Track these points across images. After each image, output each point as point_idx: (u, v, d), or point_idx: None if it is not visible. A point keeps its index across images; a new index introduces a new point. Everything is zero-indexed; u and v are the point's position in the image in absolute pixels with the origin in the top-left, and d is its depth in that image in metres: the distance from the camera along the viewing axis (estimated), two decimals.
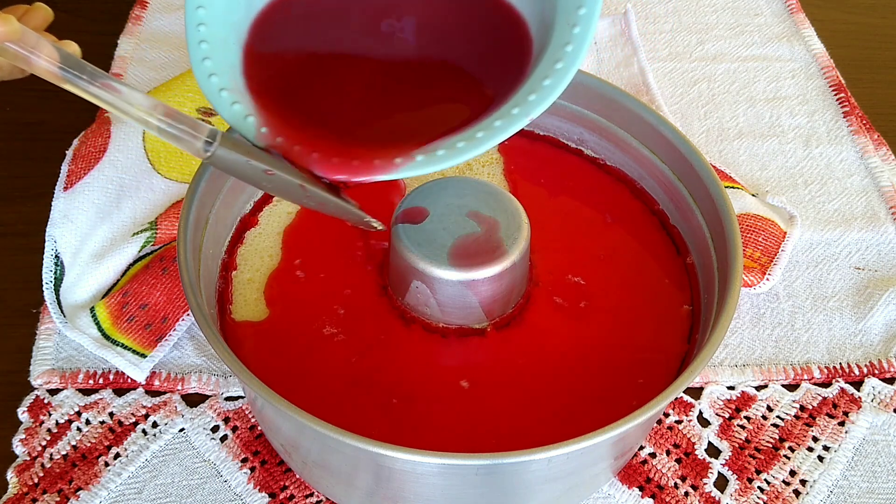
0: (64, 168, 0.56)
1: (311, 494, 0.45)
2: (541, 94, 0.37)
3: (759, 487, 0.46)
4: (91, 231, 0.53)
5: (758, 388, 0.50)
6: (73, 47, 0.37)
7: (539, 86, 0.38)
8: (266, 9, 0.42)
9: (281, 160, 0.39)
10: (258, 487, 0.45)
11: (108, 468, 0.46)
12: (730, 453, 0.47)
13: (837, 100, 0.68)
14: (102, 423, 0.48)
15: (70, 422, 0.47)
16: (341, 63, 0.42)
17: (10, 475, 0.45)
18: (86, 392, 0.49)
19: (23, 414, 0.48)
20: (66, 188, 0.55)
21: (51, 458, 0.46)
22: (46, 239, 0.53)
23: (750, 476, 0.47)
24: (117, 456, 0.46)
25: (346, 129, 0.40)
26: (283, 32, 0.42)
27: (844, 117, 0.67)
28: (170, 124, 0.36)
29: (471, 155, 0.38)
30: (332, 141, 0.39)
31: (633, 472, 0.46)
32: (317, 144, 0.39)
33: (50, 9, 0.41)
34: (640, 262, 0.48)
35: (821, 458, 0.47)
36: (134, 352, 0.49)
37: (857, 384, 0.51)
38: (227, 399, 0.49)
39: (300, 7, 0.43)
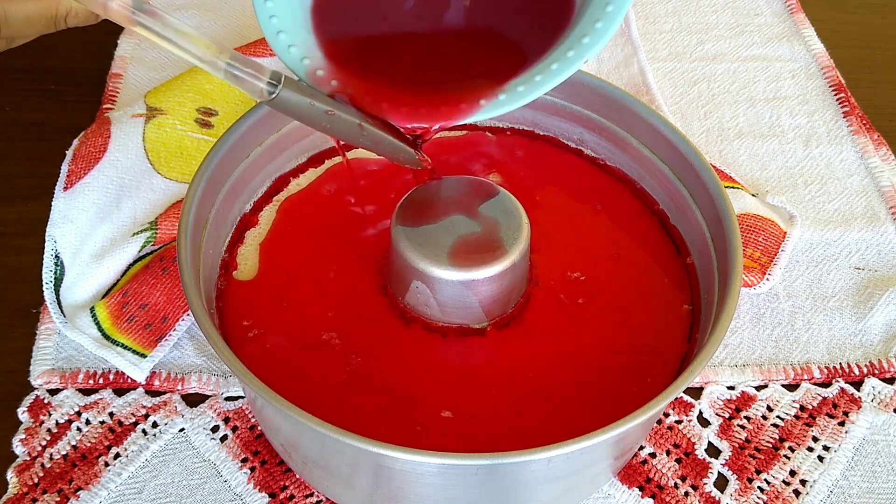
0: (64, 168, 0.56)
1: (311, 494, 0.45)
2: (593, 36, 0.39)
3: (759, 487, 0.46)
4: (91, 231, 0.53)
5: (758, 388, 0.50)
6: None
7: (591, 28, 0.40)
8: None
9: (339, 102, 0.41)
10: (258, 487, 0.45)
11: (108, 468, 0.46)
12: (730, 453, 0.47)
13: (837, 100, 0.68)
14: (102, 423, 0.48)
15: (70, 422, 0.47)
16: (400, 20, 0.45)
17: (10, 475, 0.45)
18: (86, 392, 0.49)
19: (23, 414, 0.48)
20: (66, 188, 0.55)
21: (51, 458, 0.46)
22: (46, 239, 0.53)
23: (750, 476, 0.47)
24: (117, 456, 0.46)
25: (408, 80, 0.43)
26: None
27: (844, 117, 0.67)
28: (237, 67, 0.38)
29: (531, 96, 0.40)
30: (397, 91, 0.42)
31: (633, 472, 0.46)
32: (384, 94, 0.41)
33: None
34: (640, 262, 0.49)
35: (821, 458, 0.47)
36: (134, 352, 0.49)
37: (857, 384, 0.51)
38: (227, 399, 0.49)
39: None
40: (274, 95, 0.38)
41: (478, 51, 0.44)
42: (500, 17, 0.44)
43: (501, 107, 0.40)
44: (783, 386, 0.51)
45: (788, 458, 0.47)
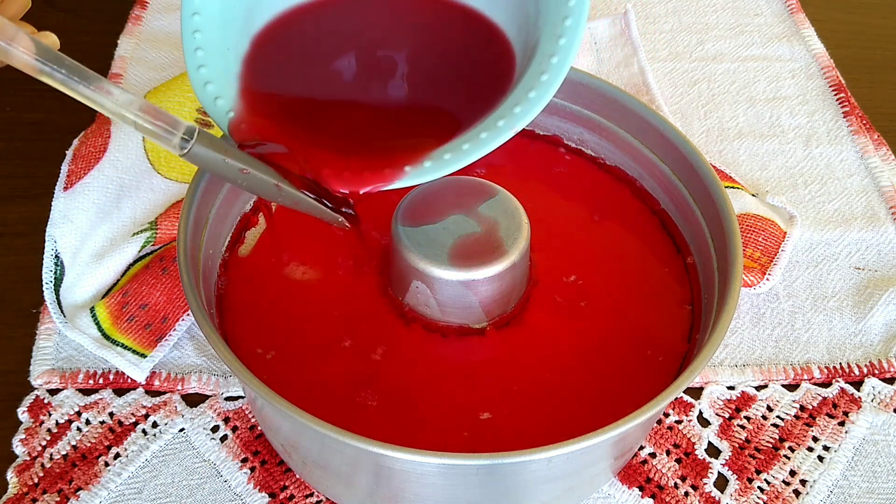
0: (64, 168, 0.56)
1: (311, 494, 0.45)
2: (525, 105, 0.38)
3: (759, 487, 0.46)
4: (91, 231, 0.53)
5: (758, 388, 0.50)
6: (51, 38, 0.37)
7: (524, 97, 0.39)
8: (265, 29, 0.43)
9: (255, 160, 0.39)
10: (258, 487, 0.45)
11: (108, 468, 0.46)
12: (730, 453, 0.47)
13: (837, 100, 0.68)
14: (102, 423, 0.48)
15: (70, 422, 0.47)
16: (333, 84, 0.44)
17: (10, 475, 0.45)
18: (86, 392, 0.49)
19: (23, 414, 0.48)
20: (66, 188, 0.55)
21: (51, 458, 0.46)
22: (46, 239, 0.53)
23: (750, 476, 0.47)
24: (117, 456, 0.46)
25: (344, 144, 0.41)
26: (281, 52, 0.43)
27: (844, 117, 0.67)
28: (147, 120, 0.36)
29: (458, 165, 0.39)
30: (335, 155, 0.40)
31: (633, 472, 0.46)
32: (320, 158, 0.40)
33: None
34: (641, 262, 0.48)
35: (821, 458, 0.47)
36: (134, 352, 0.49)
37: (857, 384, 0.51)
38: (227, 399, 0.49)
39: (298, 33, 0.44)
40: (186, 150, 0.37)
41: (407, 118, 0.43)
42: (433, 88, 0.44)
43: (427, 174, 0.39)
44: (783, 386, 0.51)
45: (788, 458, 0.47)
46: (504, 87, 0.41)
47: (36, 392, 0.49)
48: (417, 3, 0.45)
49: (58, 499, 0.44)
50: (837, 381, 0.51)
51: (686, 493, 0.46)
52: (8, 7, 0.39)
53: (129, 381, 0.49)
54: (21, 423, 0.47)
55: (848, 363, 0.51)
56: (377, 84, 0.44)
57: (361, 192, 0.40)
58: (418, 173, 0.39)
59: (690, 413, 0.49)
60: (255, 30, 0.43)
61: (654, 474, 0.46)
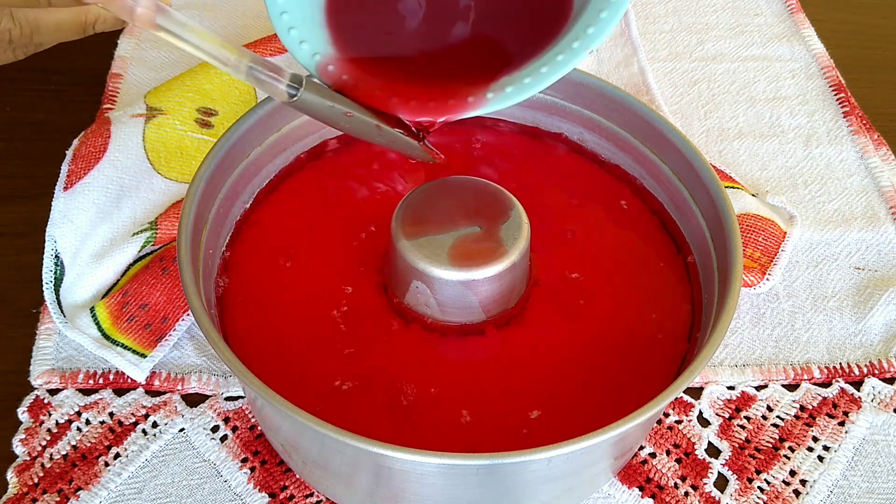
0: (64, 168, 0.56)
1: (312, 494, 0.45)
2: (597, 25, 0.40)
3: (759, 487, 0.46)
4: (91, 231, 0.53)
5: (758, 388, 0.50)
6: None
7: (596, 18, 0.40)
8: None
9: (356, 104, 0.42)
10: (258, 487, 0.45)
11: (108, 468, 0.46)
12: (730, 453, 0.47)
13: (837, 100, 0.68)
14: (102, 423, 0.48)
15: (70, 422, 0.47)
16: (409, 18, 0.45)
17: (10, 475, 0.45)
18: (86, 392, 0.49)
19: (23, 414, 0.48)
20: (66, 188, 0.55)
21: (51, 458, 0.46)
22: (46, 239, 0.53)
23: (750, 476, 0.47)
24: (117, 456, 0.46)
25: (416, 74, 0.43)
26: None
27: (844, 117, 0.67)
28: (258, 70, 0.39)
29: (533, 90, 0.41)
30: (406, 84, 0.43)
31: (633, 472, 0.46)
32: (394, 89, 0.42)
33: None
34: (641, 262, 0.48)
35: (821, 458, 0.47)
36: (134, 352, 0.49)
37: (858, 384, 0.51)
38: (227, 399, 0.49)
39: None
40: (296, 98, 0.40)
41: (481, 48, 0.44)
42: (502, 19, 0.45)
43: (508, 99, 0.41)
44: (783, 386, 0.50)
45: (788, 458, 0.47)
46: (565, 18, 0.42)
47: (36, 392, 0.49)
48: None
49: (58, 499, 0.44)
50: (837, 381, 0.51)
51: (686, 493, 0.46)
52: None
53: (129, 381, 0.49)
54: (21, 423, 0.47)
55: (848, 363, 0.51)
56: (445, 17, 0.45)
57: (439, 121, 0.42)
58: (500, 98, 0.41)
59: (690, 413, 0.49)
60: None
61: (654, 474, 0.46)
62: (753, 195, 0.59)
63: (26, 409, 0.48)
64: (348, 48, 0.43)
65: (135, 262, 0.53)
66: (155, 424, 0.48)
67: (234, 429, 0.48)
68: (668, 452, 0.47)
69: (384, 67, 0.43)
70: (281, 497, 0.45)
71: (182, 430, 0.47)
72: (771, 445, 0.48)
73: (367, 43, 0.44)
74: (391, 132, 0.43)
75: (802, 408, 0.50)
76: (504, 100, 0.41)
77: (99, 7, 0.35)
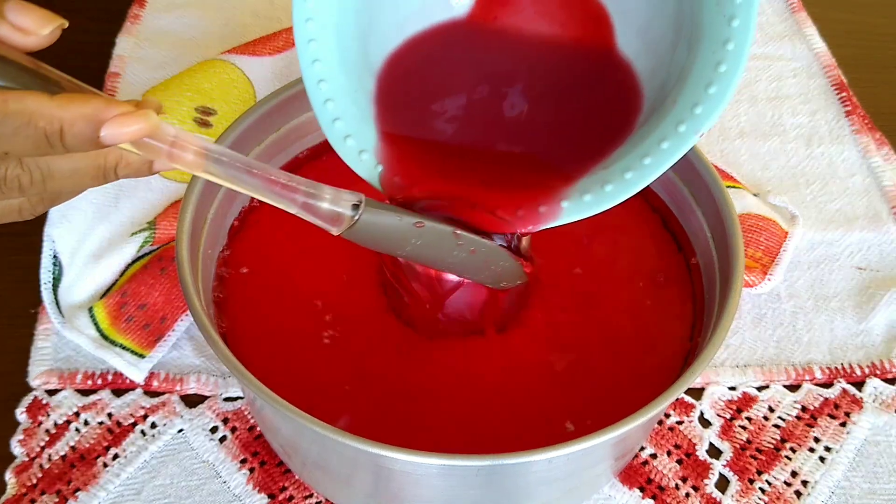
0: None
1: (311, 495, 0.45)
2: (691, 122, 0.35)
3: (760, 488, 0.46)
4: (89, 231, 0.53)
5: (759, 389, 0.50)
6: (154, 105, 0.34)
7: (689, 114, 0.35)
8: (387, 64, 0.40)
9: (425, 212, 0.37)
10: (257, 488, 0.45)
11: (107, 469, 0.46)
12: (731, 454, 0.47)
13: (839, 99, 0.68)
14: (101, 423, 0.47)
15: (68, 422, 0.47)
16: (465, 117, 0.41)
17: (9, 476, 0.45)
18: (84, 393, 0.49)
19: (21, 414, 0.47)
20: None
21: (49, 459, 0.46)
22: (44, 239, 0.53)
23: (751, 477, 0.46)
24: (116, 457, 0.46)
25: (500, 183, 0.39)
26: (409, 91, 0.40)
27: (846, 116, 0.66)
28: (312, 211, 0.34)
29: (625, 195, 0.36)
30: (501, 195, 0.38)
31: (634, 473, 0.46)
32: (489, 199, 0.38)
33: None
34: (642, 262, 0.48)
35: (822, 459, 0.47)
36: (132, 352, 0.49)
37: (859, 385, 0.51)
38: (226, 400, 0.48)
39: (419, 68, 0.40)
40: (356, 219, 0.34)
41: (541, 152, 0.40)
42: (573, 114, 0.40)
43: (588, 208, 0.37)
44: (784, 386, 0.50)
45: (790, 459, 0.47)
46: (631, 119, 0.38)
47: (34, 393, 0.48)
48: (533, 33, 0.41)
49: (56, 499, 0.44)
50: (839, 382, 0.50)
51: (687, 495, 0.46)
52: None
53: (128, 381, 0.49)
54: (19, 423, 0.47)
55: (850, 364, 0.51)
56: (505, 116, 0.41)
57: (523, 231, 0.38)
58: (578, 208, 0.37)
59: (691, 414, 0.49)
60: (377, 66, 0.40)
61: (655, 475, 0.46)
62: (755, 195, 0.59)
63: (24, 409, 0.48)
64: (406, 154, 0.38)
65: (133, 262, 0.53)
66: (154, 425, 0.47)
67: (234, 430, 0.47)
68: (669, 453, 0.47)
69: (452, 172, 0.38)
70: (280, 498, 0.45)
71: (181, 430, 0.47)
72: (772, 446, 0.48)
73: (422, 147, 0.39)
74: (471, 238, 0.37)
75: (804, 408, 0.49)
76: (584, 208, 0.38)
77: (120, 149, 0.32)
